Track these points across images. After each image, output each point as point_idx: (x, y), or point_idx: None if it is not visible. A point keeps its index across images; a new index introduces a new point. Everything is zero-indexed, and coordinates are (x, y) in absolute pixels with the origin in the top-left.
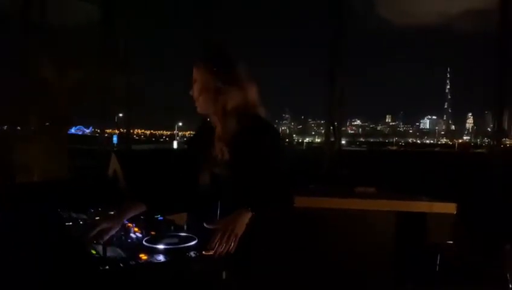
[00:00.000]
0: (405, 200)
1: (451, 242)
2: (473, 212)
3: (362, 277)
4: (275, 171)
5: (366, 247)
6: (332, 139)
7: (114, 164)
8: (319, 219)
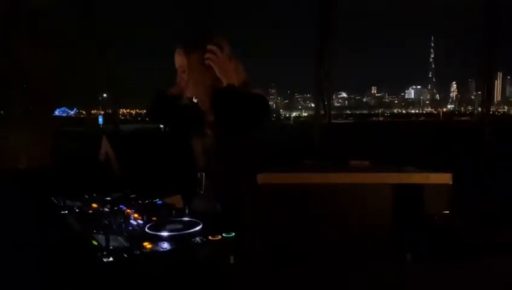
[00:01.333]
0: (401, 173)
1: (447, 212)
2: (466, 181)
3: (362, 250)
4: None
5: (364, 220)
6: (322, 112)
7: (105, 146)
8: (317, 195)
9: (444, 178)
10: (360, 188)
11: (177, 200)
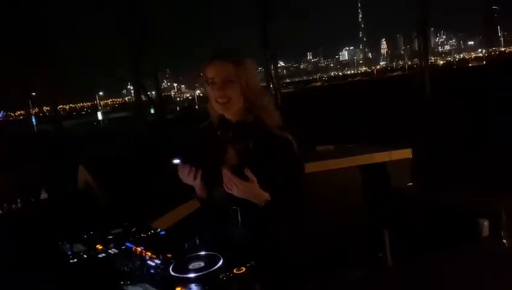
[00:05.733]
0: (366, 154)
1: (411, 184)
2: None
3: (342, 236)
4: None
5: (338, 204)
6: (271, 86)
7: (83, 175)
8: None
9: (405, 153)
10: (332, 174)
11: (165, 222)
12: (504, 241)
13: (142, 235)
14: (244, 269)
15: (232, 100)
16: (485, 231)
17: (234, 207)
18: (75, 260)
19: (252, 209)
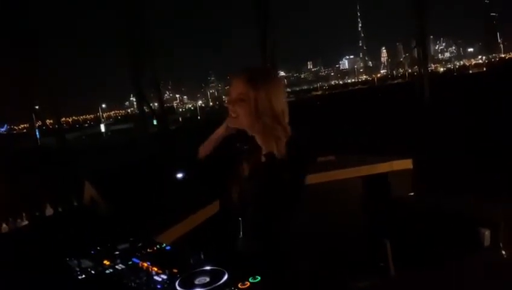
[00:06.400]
0: (367, 164)
1: (412, 193)
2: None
3: (339, 245)
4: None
5: (340, 215)
6: None
7: (89, 191)
8: None
9: (406, 164)
10: (334, 185)
11: (170, 235)
12: (503, 252)
13: (148, 250)
14: (248, 283)
15: (240, 117)
16: (487, 241)
17: (238, 216)
18: (83, 276)
19: (256, 222)
